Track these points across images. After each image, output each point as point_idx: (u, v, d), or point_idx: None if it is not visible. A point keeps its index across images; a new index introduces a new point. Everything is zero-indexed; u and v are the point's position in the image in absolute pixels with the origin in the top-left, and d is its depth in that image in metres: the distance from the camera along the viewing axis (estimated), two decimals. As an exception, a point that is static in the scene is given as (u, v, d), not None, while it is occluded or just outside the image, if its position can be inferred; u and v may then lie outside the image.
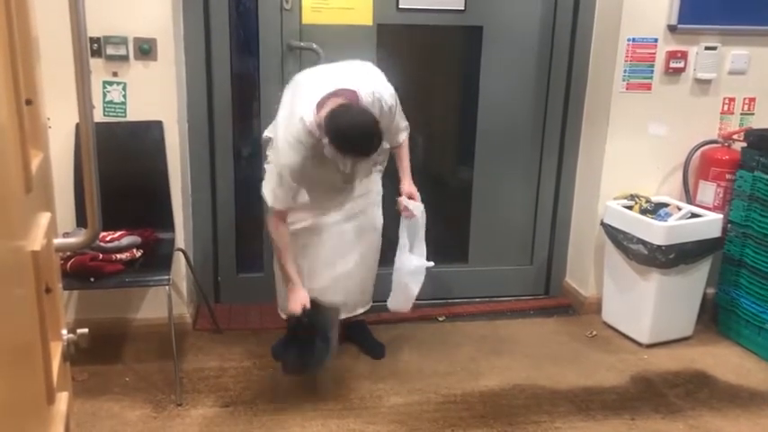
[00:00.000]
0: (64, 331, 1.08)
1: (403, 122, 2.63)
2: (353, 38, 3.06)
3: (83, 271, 2.38)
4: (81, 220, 2.71)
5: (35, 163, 0.87)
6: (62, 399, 0.99)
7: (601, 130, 3.16)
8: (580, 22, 3.19)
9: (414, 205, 2.66)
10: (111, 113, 2.75)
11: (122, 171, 2.76)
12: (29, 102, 0.90)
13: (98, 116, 2.74)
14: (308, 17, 3.01)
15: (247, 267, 3.31)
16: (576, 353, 2.97)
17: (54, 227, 0.99)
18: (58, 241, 1.04)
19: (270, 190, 2.42)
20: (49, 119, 2.71)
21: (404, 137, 2.66)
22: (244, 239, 3.28)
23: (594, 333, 3.14)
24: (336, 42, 3.03)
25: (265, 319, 3.16)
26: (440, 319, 3.25)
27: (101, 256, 2.42)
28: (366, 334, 2.93)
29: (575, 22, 3.20)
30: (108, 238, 2.49)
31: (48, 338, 0.86)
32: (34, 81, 0.90)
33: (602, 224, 3.12)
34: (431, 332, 3.11)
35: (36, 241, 0.82)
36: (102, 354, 2.76)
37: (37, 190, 0.88)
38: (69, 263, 2.39)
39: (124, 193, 2.74)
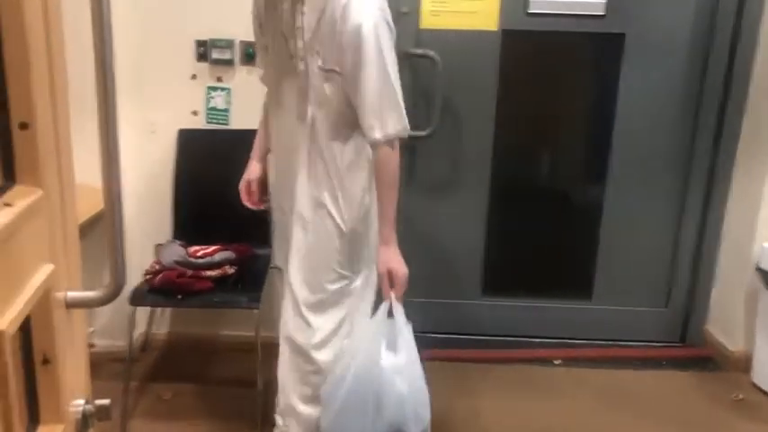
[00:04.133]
0: (80, 401, 0.88)
1: (373, 107, 1.71)
2: (475, 45, 2.78)
3: (170, 287, 2.25)
4: (177, 232, 2.61)
5: (20, 204, 0.66)
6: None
7: (760, 159, 2.68)
8: (744, 31, 2.72)
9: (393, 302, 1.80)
10: (213, 120, 2.63)
11: (222, 181, 2.61)
12: (24, 126, 0.70)
13: (201, 123, 2.64)
14: (427, 21, 2.76)
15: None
16: (714, 418, 2.53)
17: (60, 281, 0.79)
18: (72, 294, 0.84)
19: None
20: (154, 127, 2.65)
21: (373, 136, 1.74)
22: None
23: (740, 396, 2.67)
24: (456, 49, 2.77)
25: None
26: (555, 362, 2.89)
27: (189, 272, 2.28)
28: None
29: (736, 31, 2.74)
30: (200, 253, 2.35)
31: (15, 423, 0.65)
32: (33, 101, 0.69)
33: (758, 269, 2.64)
34: (543, 377, 2.77)
35: (4, 318, 0.61)
36: (190, 371, 2.65)
37: (22, 241, 0.68)
38: (158, 278, 2.27)
39: (222, 205, 2.60)
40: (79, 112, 2.60)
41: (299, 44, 1.77)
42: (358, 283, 1.93)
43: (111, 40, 0.80)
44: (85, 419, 0.88)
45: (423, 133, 2.79)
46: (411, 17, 2.75)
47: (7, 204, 0.66)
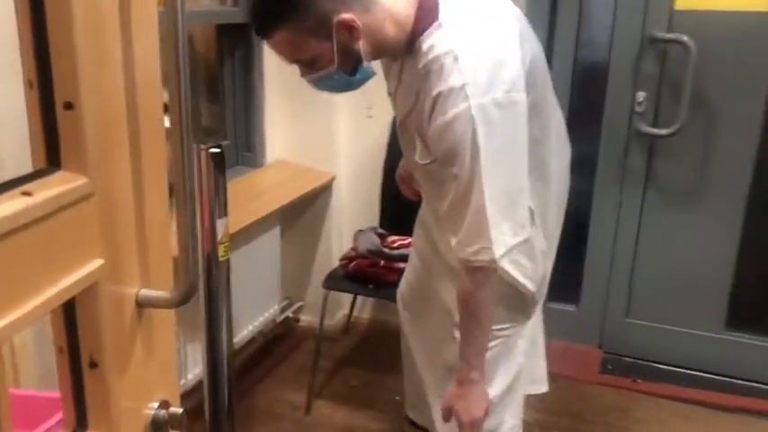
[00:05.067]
0: (154, 404, 0.81)
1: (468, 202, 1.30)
2: (742, 30, 2.31)
3: (362, 275, 2.21)
4: (383, 220, 2.55)
5: (42, 195, 0.59)
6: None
7: None
8: None
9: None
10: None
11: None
12: (68, 105, 0.63)
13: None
14: (683, 1, 2.35)
15: (560, 296, 2.81)
16: None
17: (116, 279, 0.72)
18: (145, 293, 0.77)
19: None
20: (372, 112, 2.62)
21: (456, 252, 1.36)
22: (562, 261, 2.78)
23: None
24: (717, 34, 2.33)
25: (570, 361, 2.65)
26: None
27: (382, 262, 2.21)
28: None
29: None
30: (396, 244, 2.27)
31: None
32: (78, 76, 0.62)
33: None
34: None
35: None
36: (383, 360, 2.59)
37: (49, 234, 0.61)
38: (352, 264, 2.25)
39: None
40: (277, 90, 2.67)
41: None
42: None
43: (186, 28, 0.70)
44: (157, 425, 0.81)
45: (665, 131, 2.41)
46: (664, -4, 2.36)
47: (26, 194, 0.59)
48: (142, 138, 0.75)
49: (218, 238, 1.74)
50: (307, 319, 2.80)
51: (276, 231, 2.52)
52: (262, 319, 2.50)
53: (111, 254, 0.70)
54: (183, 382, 2.05)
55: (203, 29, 2.57)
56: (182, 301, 0.78)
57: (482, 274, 1.35)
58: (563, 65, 2.55)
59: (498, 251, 1.30)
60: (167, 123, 2.01)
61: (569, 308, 2.79)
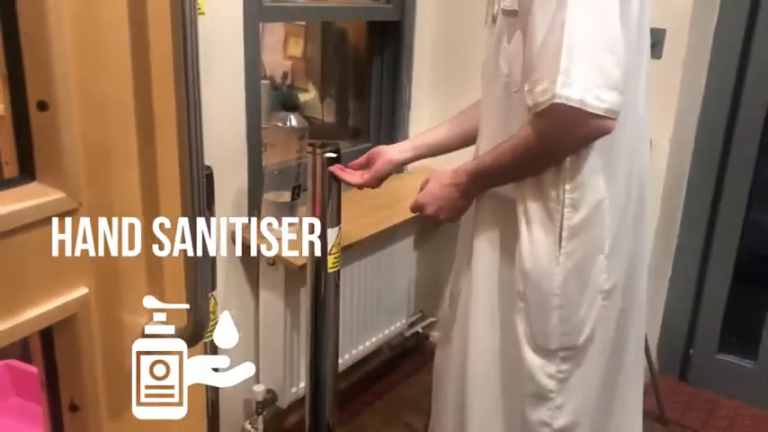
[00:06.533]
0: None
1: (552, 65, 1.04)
2: None
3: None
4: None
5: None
6: None
7: None
8: None
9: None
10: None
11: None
12: (43, 106, 0.53)
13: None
14: None
15: (733, 348, 2.42)
16: None
17: (107, 307, 0.61)
18: (151, 329, 0.66)
19: None
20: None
21: (526, 99, 1.09)
22: (736, 309, 2.39)
23: None
24: None
25: (741, 426, 2.26)
26: None
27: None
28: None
29: None
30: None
31: None
32: (53, 70, 0.51)
33: None
34: None
35: None
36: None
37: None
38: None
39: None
40: (426, 93, 2.51)
41: None
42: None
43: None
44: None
45: None
46: None
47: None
48: (159, 143, 0.64)
49: (329, 247, 1.64)
50: (438, 336, 2.64)
51: (409, 241, 2.38)
52: (387, 331, 2.37)
53: (103, 282, 0.60)
54: (293, 390, 1.98)
55: (355, 25, 2.50)
56: (192, 338, 0.66)
57: (544, 122, 1.07)
58: (760, 79, 2.17)
59: (565, 89, 1.02)
60: (294, 123, 1.92)
61: (746, 363, 2.38)
